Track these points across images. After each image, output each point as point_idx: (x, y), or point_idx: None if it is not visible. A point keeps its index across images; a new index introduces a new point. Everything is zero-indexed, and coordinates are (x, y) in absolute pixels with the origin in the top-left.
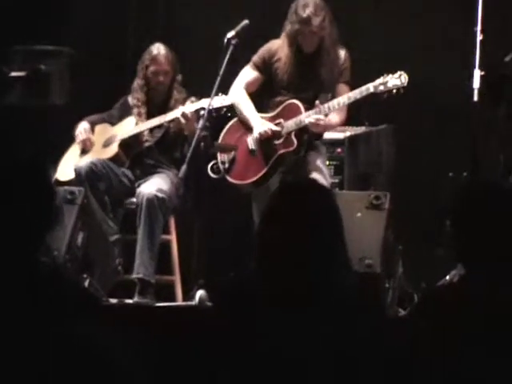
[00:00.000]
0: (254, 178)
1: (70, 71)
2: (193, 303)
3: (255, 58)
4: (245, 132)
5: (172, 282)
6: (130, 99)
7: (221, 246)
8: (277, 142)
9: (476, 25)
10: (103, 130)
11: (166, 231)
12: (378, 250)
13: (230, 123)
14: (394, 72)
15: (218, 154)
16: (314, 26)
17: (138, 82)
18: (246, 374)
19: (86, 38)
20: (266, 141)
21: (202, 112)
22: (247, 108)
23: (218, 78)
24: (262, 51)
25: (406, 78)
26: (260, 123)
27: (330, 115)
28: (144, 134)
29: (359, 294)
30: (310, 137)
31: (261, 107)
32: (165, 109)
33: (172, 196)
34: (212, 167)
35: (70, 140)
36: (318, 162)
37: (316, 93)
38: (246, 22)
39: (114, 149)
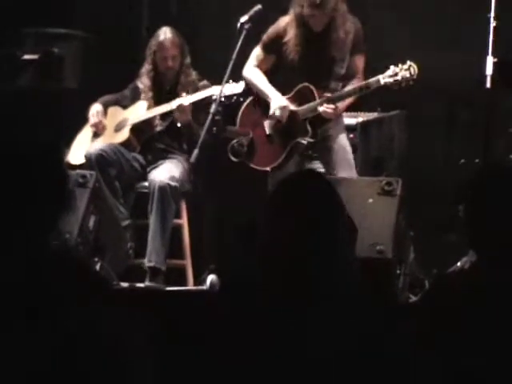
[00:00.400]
0: (273, 165)
1: (83, 54)
2: (204, 288)
3: (264, 37)
4: (261, 115)
5: (183, 266)
6: (140, 84)
7: (233, 230)
8: (293, 128)
9: (489, 11)
10: (115, 113)
11: (178, 215)
12: (389, 236)
13: (245, 105)
14: (403, 62)
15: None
16: (327, 10)
17: (145, 67)
18: (250, 363)
19: (98, 21)
20: (282, 127)
21: (214, 96)
22: (263, 82)
23: (231, 63)
24: (271, 31)
25: (416, 69)
26: (278, 97)
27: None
28: (155, 118)
29: (368, 281)
30: (323, 123)
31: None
32: (174, 93)
33: (184, 182)
34: (232, 150)
35: (84, 122)
36: (344, 154)
37: (328, 72)
38: (259, 6)
39: (125, 134)
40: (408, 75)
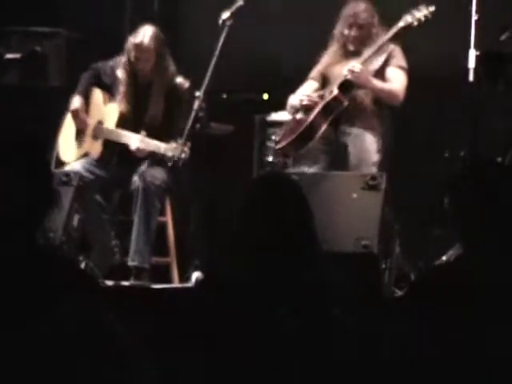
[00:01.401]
0: (300, 130)
1: (67, 53)
2: (189, 285)
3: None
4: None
5: (168, 263)
6: (119, 73)
7: (217, 226)
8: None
9: (471, 4)
10: (96, 104)
11: (162, 213)
12: (374, 230)
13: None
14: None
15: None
16: (362, 18)
17: (123, 60)
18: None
19: (82, 19)
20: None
21: (197, 93)
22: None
23: (214, 59)
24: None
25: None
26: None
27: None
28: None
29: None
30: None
31: None
32: (149, 91)
33: (168, 180)
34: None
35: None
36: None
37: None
38: (240, 2)
39: (99, 147)
40: (426, 12)
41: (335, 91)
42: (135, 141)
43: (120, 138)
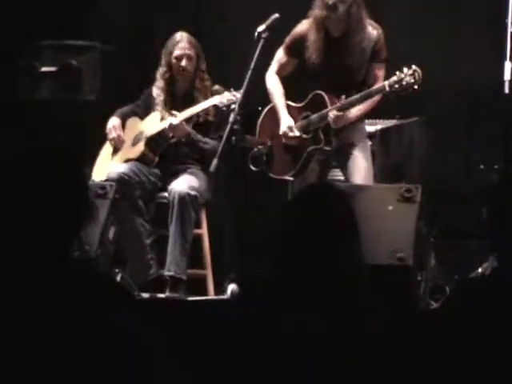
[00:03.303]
0: (289, 174)
1: (101, 66)
2: (224, 297)
3: (287, 40)
4: (279, 124)
5: (204, 275)
6: (154, 89)
7: (254, 239)
8: (306, 137)
9: (507, 16)
10: (134, 125)
11: (197, 225)
12: (409, 242)
13: (264, 112)
14: (408, 67)
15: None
16: (340, 13)
17: (160, 70)
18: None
19: (116, 33)
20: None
21: (232, 106)
22: (278, 99)
23: (249, 72)
24: (294, 33)
25: (420, 73)
26: (285, 122)
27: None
28: None
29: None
30: (340, 131)
31: (294, 92)
32: (188, 98)
33: (203, 191)
34: (252, 159)
35: (102, 136)
36: (359, 162)
37: (345, 79)
38: (276, 15)
39: (140, 147)
40: (413, 81)
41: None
42: (170, 120)
43: (159, 128)
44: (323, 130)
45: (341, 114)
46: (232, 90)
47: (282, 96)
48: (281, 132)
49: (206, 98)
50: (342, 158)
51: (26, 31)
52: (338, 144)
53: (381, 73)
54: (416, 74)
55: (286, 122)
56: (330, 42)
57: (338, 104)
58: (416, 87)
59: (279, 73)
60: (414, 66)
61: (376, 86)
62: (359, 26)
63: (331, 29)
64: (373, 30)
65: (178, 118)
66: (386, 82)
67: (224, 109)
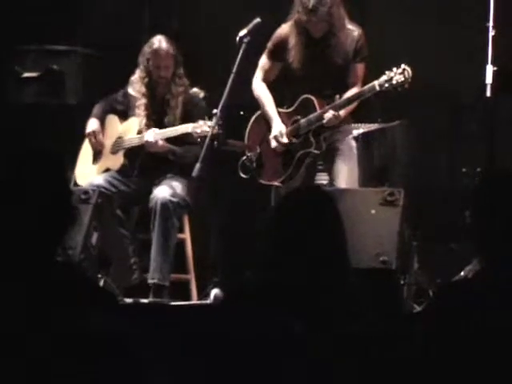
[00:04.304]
0: (281, 179)
1: (83, 71)
2: (208, 301)
3: (269, 45)
4: (268, 130)
5: (187, 280)
6: (131, 90)
7: (237, 243)
8: (296, 141)
9: (488, 20)
10: (113, 124)
11: (181, 230)
12: (393, 246)
13: (253, 119)
14: (398, 66)
15: (246, 152)
16: (320, 15)
17: (138, 74)
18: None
19: (98, 37)
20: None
21: (214, 111)
22: (267, 104)
23: (231, 76)
24: (275, 38)
25: (410, 72)
26: (277, 128)
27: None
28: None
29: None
30: (329, 134)
31: (281, 98)
32: (167, 102)
33: (186, 197)
34: (241, 166)
35: (83, 138)
36: (344, 165)
37: (328, 79)
38: (257, 20)
39: (119, 160)
40: (402, 79)
41: (312, 147)
42: (149, 135)
43: (139, 141)
44: (313, 134)
45: (337, 113)
46: (206, 118)
47: (271, 103)
48: (271, 136)
49: (182, 102)
50: (326, 161)
51: (8, 36)
52: (325, 147)
53: (361, 72)
54: (406, 73)
55: (278, 128)
56: (311, 44)
57: (337, 102)
58: (406, 86)
59: (265, 79)
60: (403, 65)
61: (367, 86)
62: (340, 26)
63: (312, 30)
64: (353, 31)
65: (154, 136)
66: (376, 82)
67: (197, 138)
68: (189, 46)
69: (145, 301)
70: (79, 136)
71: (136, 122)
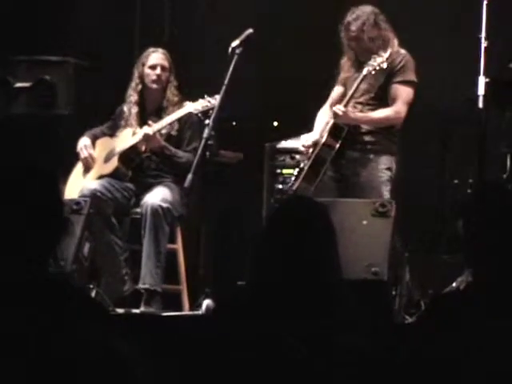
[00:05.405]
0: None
1: (75, 81)
2: (199, 312)
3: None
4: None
5: (179, 291)
6: (125, 105)
7: (228, 254)
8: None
9: (480, 32)
10: (105, 144)
11: (172, 240)
12: (384, 257)
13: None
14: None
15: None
16: (352, 30)
17: (132, 84)
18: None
19: (90, 48)
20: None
21: (207, 121)
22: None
23: (224, 87)
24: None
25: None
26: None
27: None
28: (142, 144)
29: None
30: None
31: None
32: (160, 111)
33: (177, 205)
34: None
35: (75, 152)
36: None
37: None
38: (250, 30)
39: (113, 163)
40: (381, 59)
41: (323, 139)
42: (147, 129)
43: (133, 141)
44: (330, 133)
45: (344, 109)
46: (206, 96)
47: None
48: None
49: (175, 111)
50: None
51: (0, 47)
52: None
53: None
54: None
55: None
56: (359, 67)
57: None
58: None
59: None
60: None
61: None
62: (375, 45)
63: (358, 54)
64: (398, 53)
65: (153, 128)
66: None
67: (199, 115)
68: (179, 58)
69: (136, 311)
70: (71, 147)
71: (129, 132)
